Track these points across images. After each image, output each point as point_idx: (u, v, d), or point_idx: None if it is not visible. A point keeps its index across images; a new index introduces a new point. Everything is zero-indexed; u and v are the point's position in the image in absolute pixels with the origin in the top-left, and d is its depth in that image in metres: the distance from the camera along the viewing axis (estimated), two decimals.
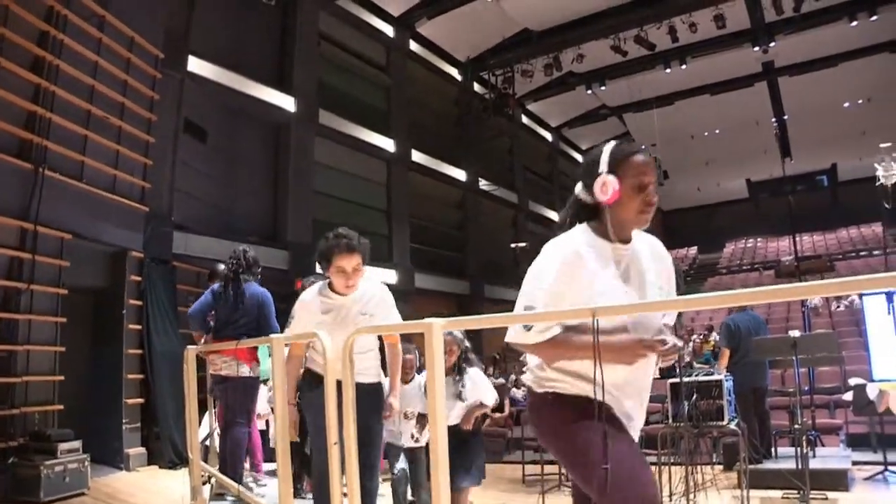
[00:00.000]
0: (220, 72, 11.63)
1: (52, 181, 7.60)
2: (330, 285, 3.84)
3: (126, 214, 8.88)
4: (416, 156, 17.35)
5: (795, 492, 6.07)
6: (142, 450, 8.66)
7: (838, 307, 14.70)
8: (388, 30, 16.72)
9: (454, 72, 19.55)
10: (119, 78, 8.85)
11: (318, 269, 3.97)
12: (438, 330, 2.14)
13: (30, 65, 7.59)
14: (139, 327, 9.00)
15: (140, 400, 8.81)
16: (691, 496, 5.94)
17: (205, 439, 6.22)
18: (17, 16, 7.32)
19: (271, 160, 13.43)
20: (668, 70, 19.66)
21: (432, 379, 2.13)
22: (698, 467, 6.28)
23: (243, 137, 12.70)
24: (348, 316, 3.77)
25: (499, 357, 16.07)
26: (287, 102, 13.23)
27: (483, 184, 20.13)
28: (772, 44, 18.43)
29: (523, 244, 5.05)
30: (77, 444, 6.87)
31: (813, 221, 25.10)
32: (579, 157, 27.34)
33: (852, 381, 8.04)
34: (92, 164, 8.29)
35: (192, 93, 10.97)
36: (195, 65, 11.06)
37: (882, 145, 6.38)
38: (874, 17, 16.76)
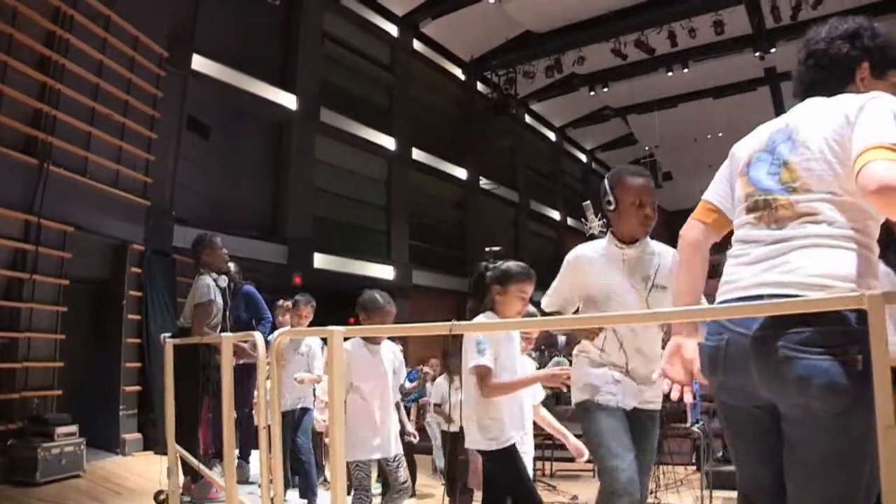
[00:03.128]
0: (224, 70, 11.89)
1: (57, 176, 7.89)
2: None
3: (128, 208, 9.18)
4: (417, 154, 17.54)
5: None
6: (138, 435, 8.93)
7: None
8: (393, 29, 16.93)
9: (458, 71, 19.71)
10: (123, 76, 9.13)
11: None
12: (339, 336, 2.24)
13: (36, 64, 7.88)
14: (138, 317, 9.30)
15: (137, 388, 9.11)
16: (658, 493, 6.23)
17: None
18: (25, 16, 7.61)
19: (273, 157, 13.72)
20: (670, 73, 19.77)
21: (331, 382, 2.25)
22: (669, 466, 6.57)
23: (245, 134, 12.97)
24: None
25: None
26: (289, 100, 13.49)
27: (484, 182, 20.32)
28: (772, 50, 18.48)
29: (497, 248, 5.24)
30: (74, 428, 7.16)
31: None
32: (583, 157, 27.48)
33: None
34: (95, 160, 8.58)
35: (195, 90, 11.25)
36: (199, 63, 11.32)
37: (584, 203, 6.49)
38: None
